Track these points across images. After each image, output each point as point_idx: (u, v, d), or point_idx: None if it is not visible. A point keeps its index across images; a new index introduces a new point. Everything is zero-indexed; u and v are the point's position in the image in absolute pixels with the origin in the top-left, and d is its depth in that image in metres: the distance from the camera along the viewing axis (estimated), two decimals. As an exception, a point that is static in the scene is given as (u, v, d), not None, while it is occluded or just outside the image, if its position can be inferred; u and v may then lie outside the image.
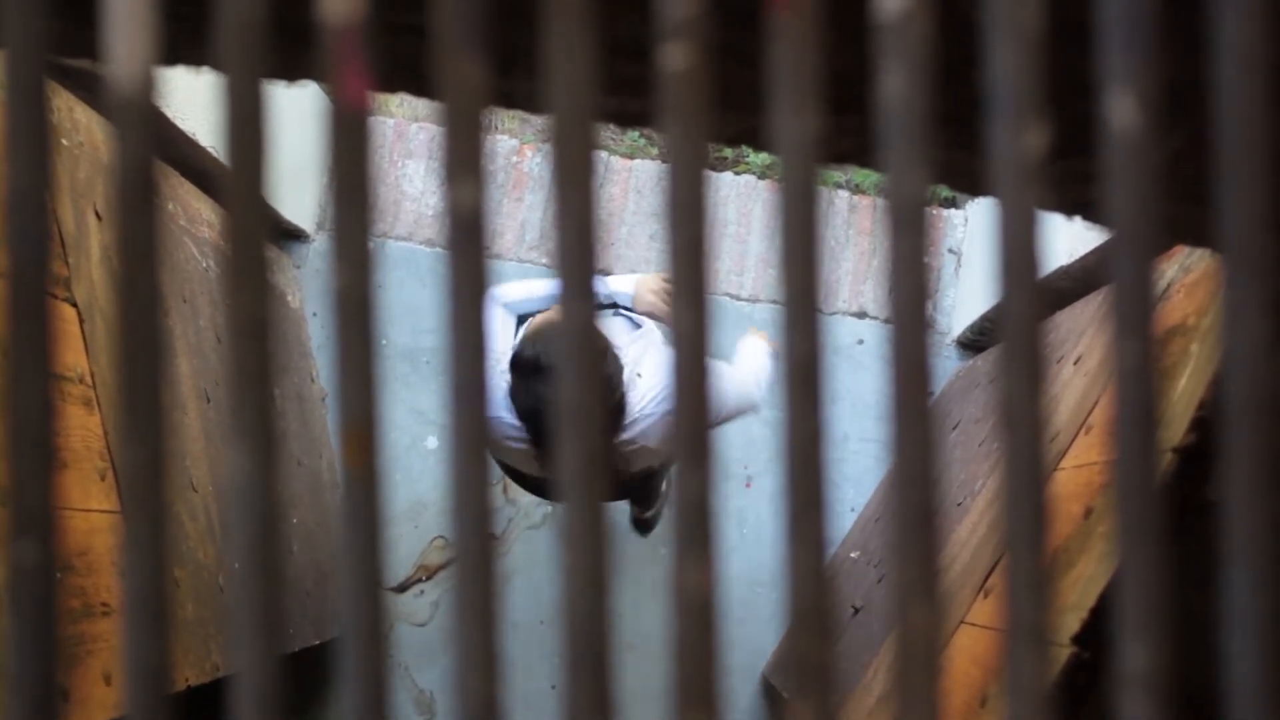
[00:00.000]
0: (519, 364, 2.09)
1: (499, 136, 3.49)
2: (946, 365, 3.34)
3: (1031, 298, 0.63)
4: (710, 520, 0.62)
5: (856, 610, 2.47)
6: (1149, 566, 0.61)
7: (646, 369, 2.28)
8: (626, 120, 0.83)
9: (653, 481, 2.72)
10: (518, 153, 3.48)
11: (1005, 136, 0.63)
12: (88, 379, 1.71)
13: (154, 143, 0.62)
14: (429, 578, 3.26)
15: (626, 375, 2.21)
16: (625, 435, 2.25)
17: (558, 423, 0.62)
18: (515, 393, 2.12)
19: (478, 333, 0.62)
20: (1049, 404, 0.63)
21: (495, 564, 0.62)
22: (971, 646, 1.69)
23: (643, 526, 3.25)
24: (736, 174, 3.52)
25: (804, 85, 0.62)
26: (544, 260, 3.30)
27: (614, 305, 2.50)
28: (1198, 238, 0.94)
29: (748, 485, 3.30)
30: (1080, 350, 1.97)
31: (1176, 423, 1.34)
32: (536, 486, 2.61)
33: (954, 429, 2.70)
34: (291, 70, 0.76)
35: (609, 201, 3.47)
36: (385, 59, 0.67)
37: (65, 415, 1.63)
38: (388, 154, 3.44)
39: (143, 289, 0.62)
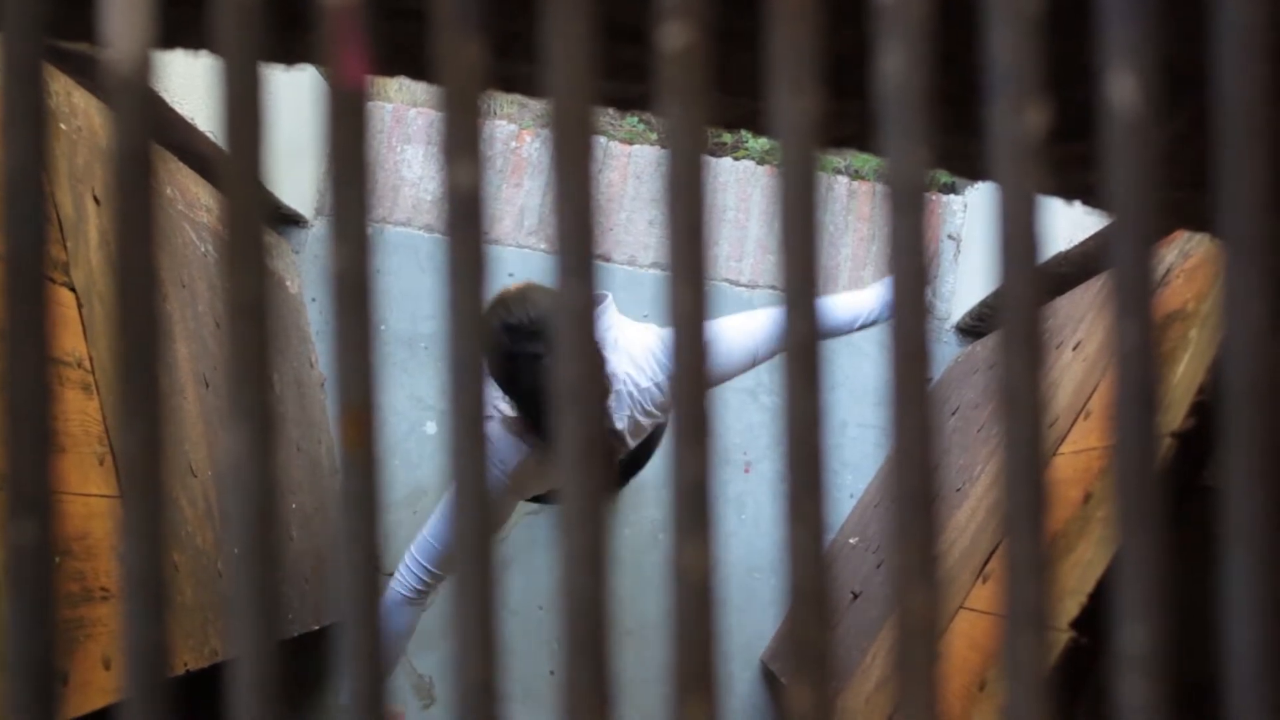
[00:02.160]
0: (511, 333, 1.99)
1: (498, 121, 3.49)
2: (946, 351, 3.34)
3: (1031, 282, 0.63)
4: (709, 502, 0.62)
5: (855, 595, 2.48)
6: (1148, 551, 0.61)
7: (622, 347, 2.24)
8: (625, 104, 0.83)
9: (650, 448, 2.67)
10: (516, 138, 3.47)
11: (1005, 120, 0.63)
12: (86, 363, 1.71)
13: (152, 127, 0.62)
14: (428, 564, 3.26)
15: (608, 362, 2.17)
16: (613, 419, 2.22)
17: (556, 403, 0.62)
18: (511, 372, 2.02)
19: (476, 316, 0.62)
20: (1048, 389, 0.63)
21: (494, 549, 0.62)
22: (970, 631, 1.69)
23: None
24: (736, 159, 3.52)
25: (803, 69, 0.62)
26: (543, 245, 3.30)
27: None
28: (1198, 222, 0.94)
29: (747, 470, 3.30)
30: (1079, 336, 1.97)
31: (1176, 407, 1.34)
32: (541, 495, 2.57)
33: (953, 414, 2.70)
34: (289, 54, 0.76)
35: (608, 187, 3.47)
36: (383, 42, 0.66)
37: (64, 399, 1.63)
38: (386, 139, 3.43)
39: (140, 273, 0.62)
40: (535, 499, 2.63)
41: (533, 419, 2.11)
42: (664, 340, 2.22)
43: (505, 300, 2.04)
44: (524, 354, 1.99)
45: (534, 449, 2.16)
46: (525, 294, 2.05)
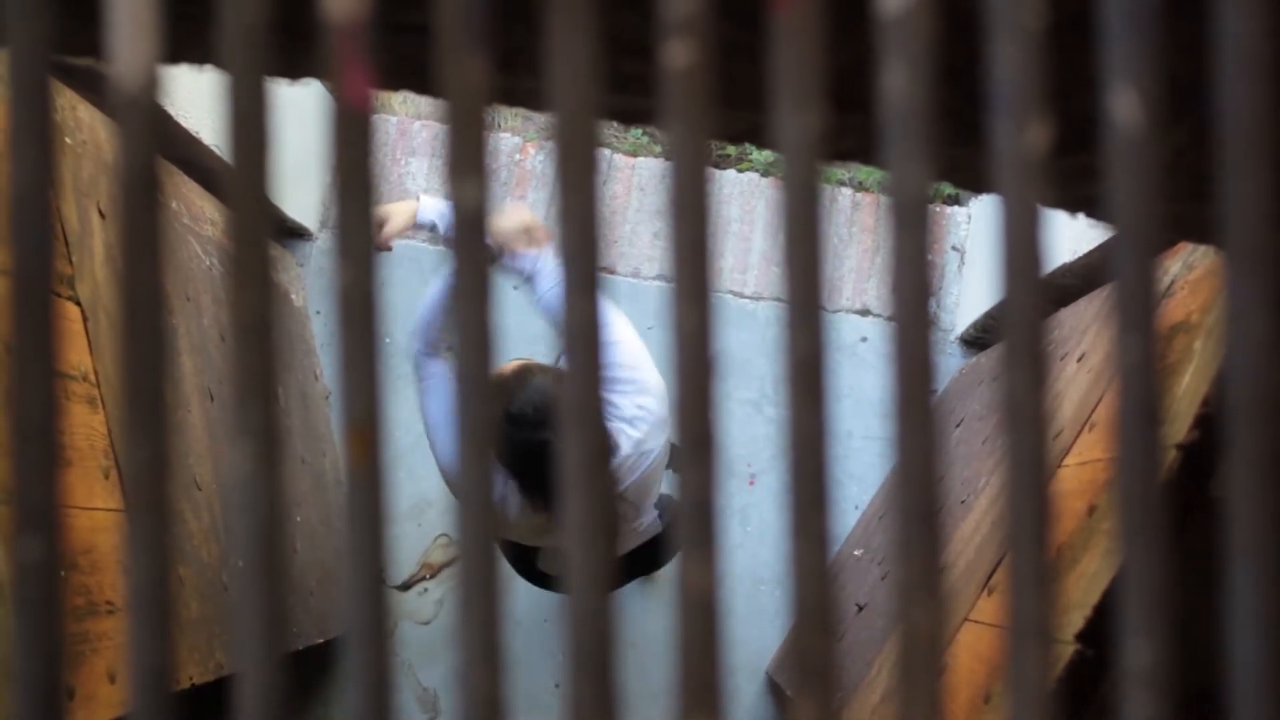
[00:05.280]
0: (514, 423, 1.99)
1: (502, 134, 3.50)
2: (950, 362, 3.34)
3: (1034, 295, 0.63)
4: (713, 518, 0.62)
5: (860, 608, 2.47)
6: (1152, 563, 0.61)
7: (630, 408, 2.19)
8: (629, 118, 0.83)
9: (661, 548, 2.54)
10: (521, 150, 3.48)
11: (1007, 133, 0.63)
12: (92, 377, 1.71)
13: (157, 141, 0.62)
14: (433, 576, 3.26)
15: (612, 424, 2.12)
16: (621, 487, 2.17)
17: (558, 425, 0.62)
18: (516, 459, 2.02)
19: (482, 330, 0.62)
20: (1051, 401, 0.63)
21: (499, 562, 0.62)
22: (975, 643, 1.69)
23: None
24: (740, 171, 3.52)
25: (806, 82, 0.62)
26: (547, 258, 3.29)
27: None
28: (1201, 234, 0.94)
29: (751, 483, 3.30)
30: (1084, 347, 1.97)
31: (1180, 419, 1.33)
32: (544, 576, 2.52)
33: (958, 426, 2.70)
34: (294, 68, 0.76)
35: (612, 199, 3.47)
36: (388, 57, 0.67)
37: (69, 413, 1.63)
38: (391, 152, 3.44)
39: (146, 287, 0.62)
40: (536, 579, 2.57)
41: (542, 498, 2.08)
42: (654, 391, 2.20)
43: (505, 386, 2.01)
44: (532, 442, 1.96)
45: (524, 500, 2.14)
46: (525, 377, 2.02)
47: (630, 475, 2.19)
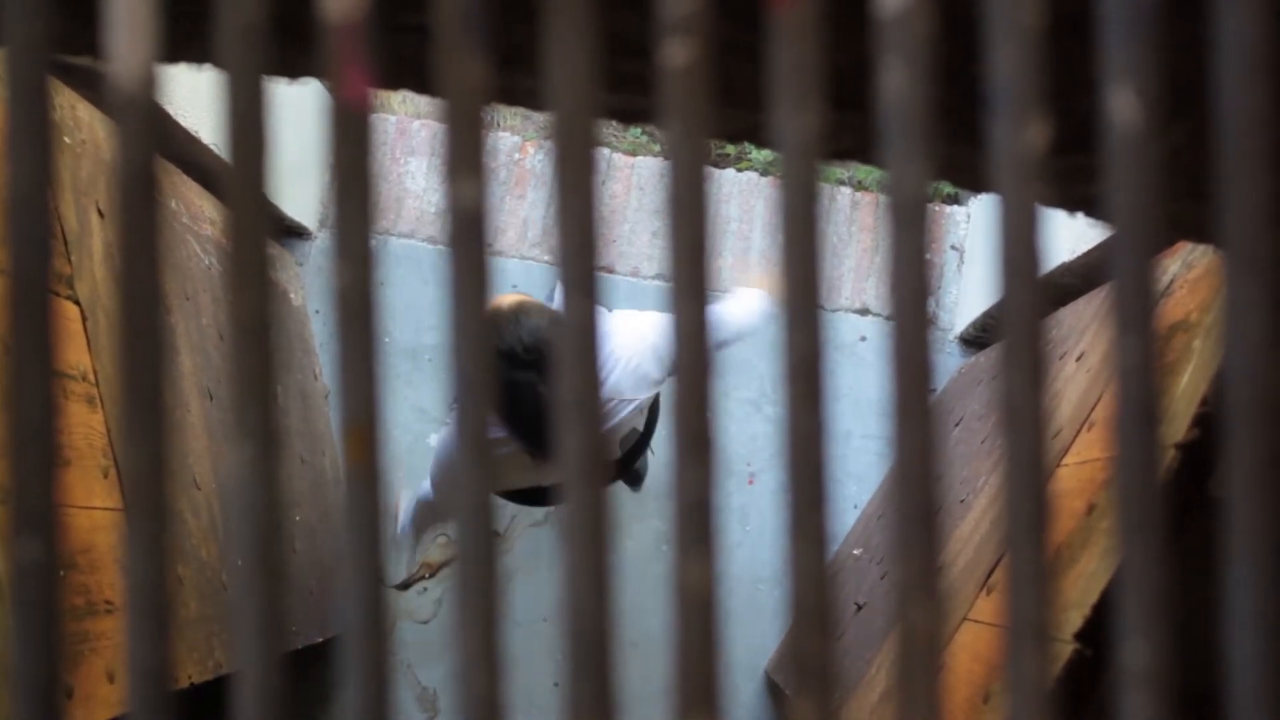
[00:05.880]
0: (505, 360, 1.93)
1: (501, 133, 3.49)
2: (949, 362, 3.34)
3: (1033, 294, 0.63)
4: (711, 517, 0.62)
5: (859, 607, 2.47)
6: (1151, 563, 0.61)
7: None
8: (628, 117, 0.83)
9: (638, 459, 2.62)
10: (520, 150, 3.48)
11: (1006, 132, 0.63)
12: (90, 376, 1.71)
13: (156, 140, 0.62)
14: (432, 575, 3.26)
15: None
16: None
17: (555, 413, 0.62)
18: (505, 399, 1.92)
19: (479, 332, 0.62)
20: (1050, 401, 0.63)
21: (498, 561, 0.62)
22: (974, 643, 1.69)
23: (633, 482, 3.19)
24: (739, 171, 3.52)
25: (805, 82, 0.62)
26: (546, 257, 3.30)
27: None
28: (1200, 234, 0.94)
29: (750, 482, 3.30)
30: (1083, 347, 1.97)
31: (1179, 419, 1.33)
32: (530, 495, 2.54)
33: (956, 425, 2.69)
34: (293, 68, 0.76)
35: (611, 198, 3.47)
36: (387, 56, 0.67)
37: (68, 413, 1.63)
38: (389, 151, 3.44)
39: (144, 286, 0.62)
40: (523, 499, 2.59)
41: (527, 441, 2.05)
42: (652, 325, 2.23)
43: (498, 322, 1.98)
44: (519, 382, 1.93)
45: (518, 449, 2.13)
46: (519, 315, 1.99)
47: (608, 420, 2.19)
